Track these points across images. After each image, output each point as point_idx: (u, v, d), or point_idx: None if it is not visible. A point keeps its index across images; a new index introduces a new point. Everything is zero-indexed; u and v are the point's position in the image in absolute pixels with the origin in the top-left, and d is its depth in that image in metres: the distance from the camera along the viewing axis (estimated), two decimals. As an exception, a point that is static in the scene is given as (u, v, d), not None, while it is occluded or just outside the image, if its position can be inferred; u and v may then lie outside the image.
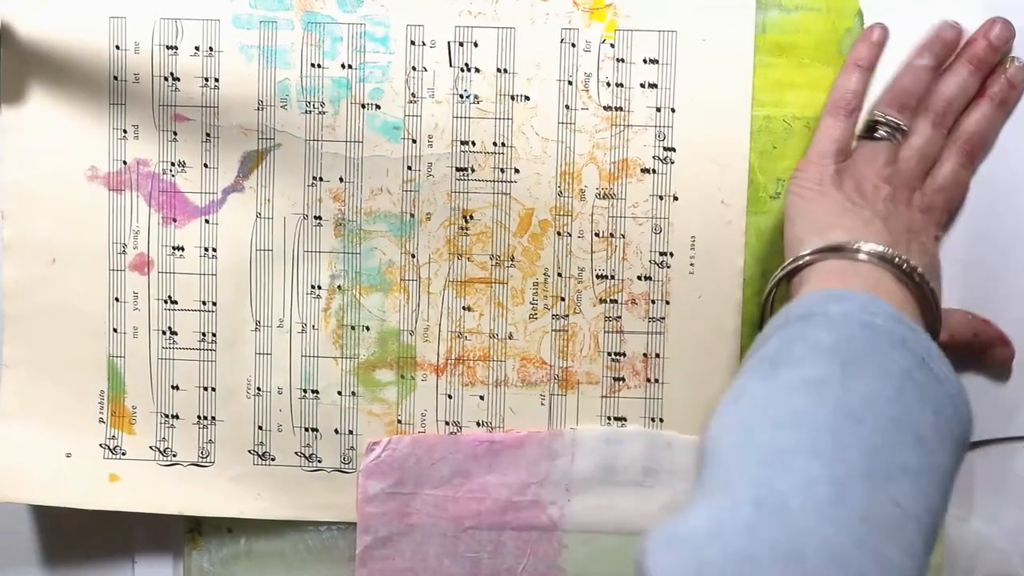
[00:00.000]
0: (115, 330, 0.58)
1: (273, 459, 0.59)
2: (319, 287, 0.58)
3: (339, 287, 0.58)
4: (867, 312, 0.43)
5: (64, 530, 0.62)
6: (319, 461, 0.58)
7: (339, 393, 0.58)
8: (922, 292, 0.47)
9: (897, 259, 0.47)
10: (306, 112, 0.57)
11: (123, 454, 0.59)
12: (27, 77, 0.57)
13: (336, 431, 0.58)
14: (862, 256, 0.47)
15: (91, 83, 0.57)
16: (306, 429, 0.58)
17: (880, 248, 0.47)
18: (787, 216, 0.52)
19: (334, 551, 0.60)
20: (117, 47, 0.57)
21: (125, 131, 0.58)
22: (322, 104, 0.57)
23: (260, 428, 0.58)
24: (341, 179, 0.57)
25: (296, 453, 0.58)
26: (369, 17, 0.56)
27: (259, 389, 0.58)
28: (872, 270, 0.47)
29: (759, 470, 0.38)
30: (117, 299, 0.58)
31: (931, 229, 0.52)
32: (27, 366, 0.58)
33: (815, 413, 0.39)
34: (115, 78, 0.58)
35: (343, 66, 0.57)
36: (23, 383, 0.58)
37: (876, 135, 0.52)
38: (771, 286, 0.51)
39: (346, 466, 0.58)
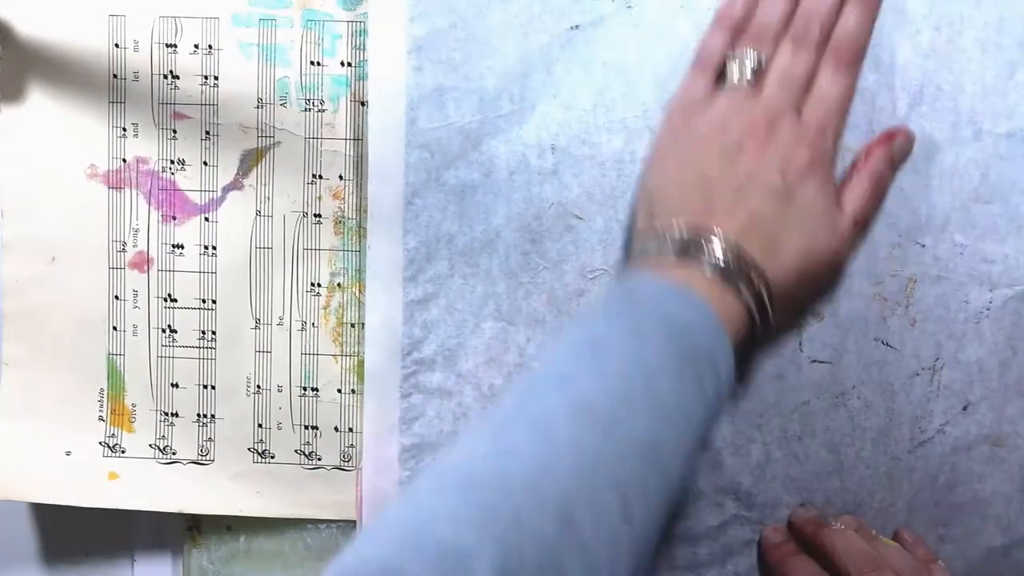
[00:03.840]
0: (115, 328, 0.58)
1: (273, 457, 0.59)
2: (319, 285, 0.58)
3: (339, 285, 0.58)
4: (647, 290, 0.46)
5: (63, 528, 0.62)
6: (319, 459, 0.58)
7: (339, 391, 0.58)
8: (731, 266, 0.47)
9: (734, 274, 0.47)
10: (306, 110, 0.57)
11: (123, 452, 0.59)
12: (26, 75, 0.57)
13: (336, 429, 0.58)
14: (703, 267, 0.47)
15: (90, 81, 0.57)
16: (306, 427, 0.58)
17: (718, 258, 0.47)
18: (649, 167, 0.53)
19: (334, 549, 0.60)
20: (116, 45, 0.57)
21: (124, 129, 0.58)
22: (322, 102, 0.57)
23: (260, 426, 0.58)
24: (341, 177, 0.57)
25: (296, 451, 0.58)
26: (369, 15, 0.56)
27: (259, 387, 0.58)
28: (669, 260, 0.48)
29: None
30: (117, 297, 0.58)
31: (804, 155, 0.50)
32: (26, 364, 0.58)
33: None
34: (114, 76, 0.58)
35: (343, 64, 0.57)
36: (22, 381, 0.58)
37: (729, 80, 0.52)
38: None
39: (346, 464, 0.58)
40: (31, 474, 0.59)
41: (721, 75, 0.52)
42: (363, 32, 0.56)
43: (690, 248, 0.48)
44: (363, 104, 0.57)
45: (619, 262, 0.55)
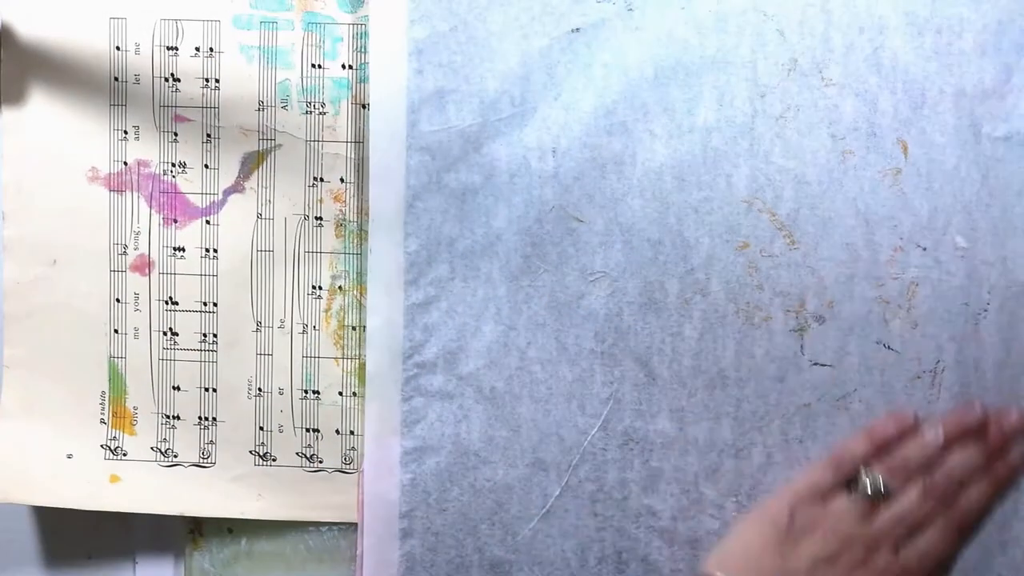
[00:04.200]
0: (116, 331, 0.58)
1: (274, 460, 0.59)
2: (320, 288, 0.58)
3: (340, 288, 0.58)
4: None
5: (65, 531, 0.62)
6: (320, 462, 0.58)
7: (340, 394, 0.58)
8: None
9: None
10: (307, 112, 0.57)
11: (124, 455, 0.59)
12: (28, 78, 0.57)
13: (337, 432, 0.58)
14: None
15: (92, 84, 0.58)
16: (307, 430, 0.58)
17: None
18: (745, 523, 0.53)
19: (335, 551, 0.60)
20: (118, 48, 0.57)
21: (126, 132, 0.58)
22: (323, 104, 0.57)
23: (261, 429, 0.58)
24: (342, 179, 0.57)
25: (297, 453, 0.58)
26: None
27: (260, 390, 0.58)
28: None
29: None
30: (118, 300, 0.58)
31: None
32: (28, 367, 0.58)
33: None
34: (116, 79, 0.58)
35: (343, 66, 0.57)
36: (24, 384, 0.59)
37: (853, 490, 0.53)
38: None
39: (347, 466, 0.58)
40: (33, 477, 0.59)
41: (848, 481, 0.53)
42: (364, 35, 0.56)
43: None
44: (364, 107, 0.57)
45: None
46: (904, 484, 0.53)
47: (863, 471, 0.53)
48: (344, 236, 0.58)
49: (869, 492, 0.52)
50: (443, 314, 0.56)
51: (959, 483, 0.53)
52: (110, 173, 0.58)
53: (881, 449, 0.53)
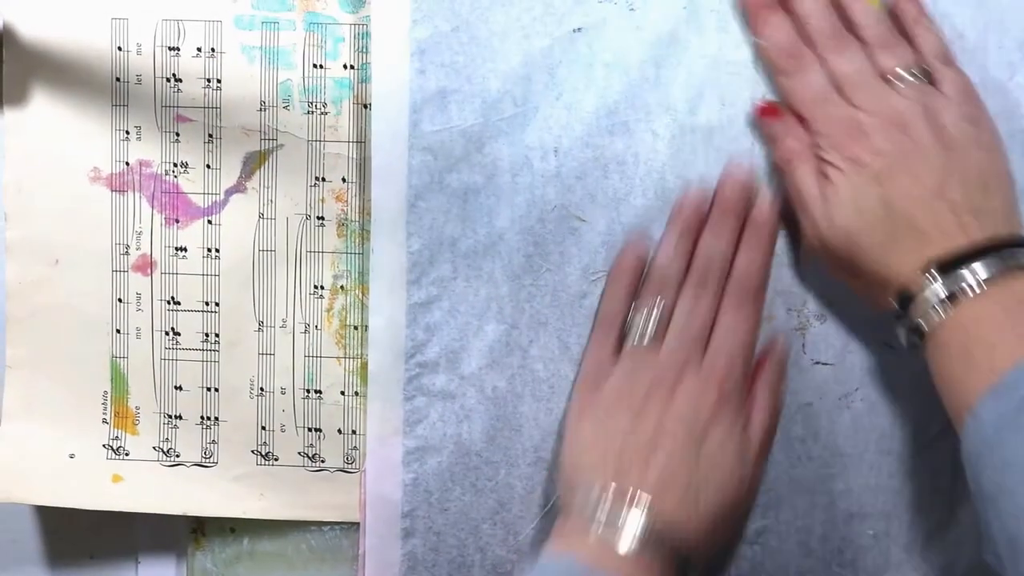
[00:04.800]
0: (118, 331, 0.58)
1: (276, 459, 0.59)
2: (322, 287, 0.58)
3: (342, 287, 0.58)
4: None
5: (67, 530, 0.62)
6: (322, 461, 0.58)
7: (342, 393, 0.58)
8: (655, 543, 0.48)
9: (611, 515, 0.48)
10: (308, 113, 0.57)
11: (126, 455, 0.59)
12: (29, 79, 0.57)
13: (339, 431, 0.58)
14: (576, 520, 0.49)
15: (93, 84, 0.58)
16: (309, 429, 0.58)
17: (635, 535, 0.47)
18: (565, 441, 0.54)
19: (337, 551, 0.60)
20: (119, 48, 0.57)
21: (127, 132, 0.58)
22: (324, 105, 0.57)
23: (263, 428, 0.59)
24: (344, 179, 0.57)
25: (299, 453, 0.58)
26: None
27: (262, 389, 0.58)
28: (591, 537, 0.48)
29: None
30: (120, 300, 0.58)
31: (710, 401, 0.50)
32: (30, 367, 0.59)
33: None
34: (117, 79, 0.58)
35: (345, 67, 0.57)
36: (26, 384, 0.59)
37: (630, 343, 0.53)
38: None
39: (349, 466, 0.58)
40: (35, 476, 0.59)
41: (621, 337, 0.53)
42: (366, 35, 0.56)
43: (610, 520, 0.48)
44: (366, 107, 0.57)
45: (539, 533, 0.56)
46: (674, 299, 0.52)
47: (631, 316, 0.53)
48: (346, 236, 0.58)
49: (649, 326, 0.52)
50: (445, 313, 0.56)
51: (721, 267, 0.52)
52: (112, 173, 0.58)
53: (635, 286, 0.54)
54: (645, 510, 0.48)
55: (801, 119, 0.52)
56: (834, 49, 0.51)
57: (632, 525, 0.47)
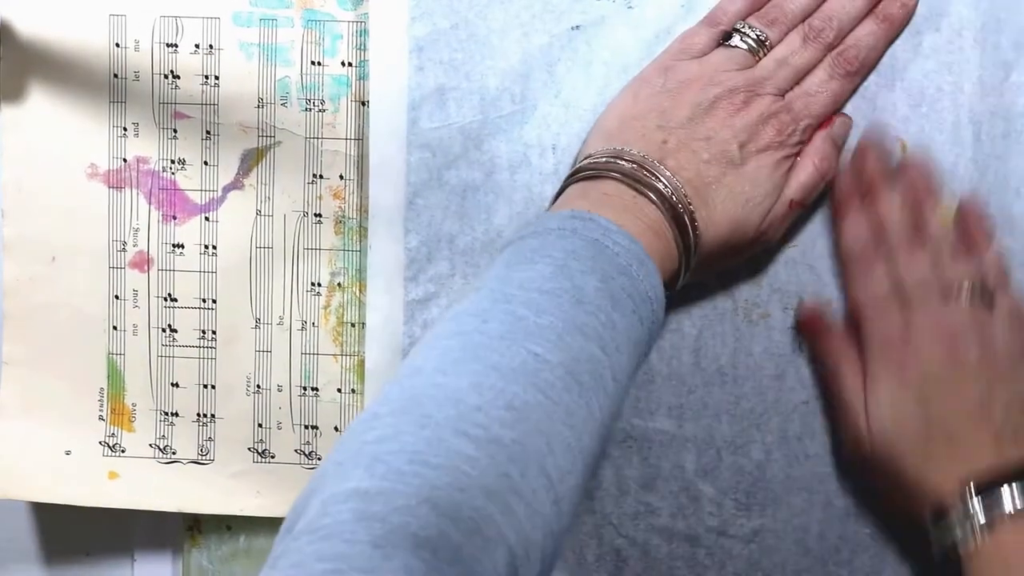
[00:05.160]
0: (115, 328, 0.58)
1: (273, 457, 0.59)
2: (319, 284, 0.58)
3: (339, 284, 0.58)
4: (552, 222, 0.46)
5: (64, 527, 0.62)
6: (319, 459, 0.58)
7: (339, 390, 0.58)
8: (671, 204, 0.48)
9: (639, 174, 0.48)
10: (306, 110, 0.57)
11: (123, 452, 0.59)
12: (27, 75, 0.57)
13: (336, 429, 0.58)
14: (610, 174, 0.48)
15: (91, 81, 0.57)
16: (306, 427, 0.58)
17: (623, 162, 0.48)
18: (621, 94, 0.53)
19: (333, 549, 0.60)
20: (117, 45, 0.57)
21: (125, 129, 0.58)
22: (322, 102, 0.57)
23: (260, 426, 0.58)
24: (341, 176, 0.57)
25: (296, 451, 0.58)
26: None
27: (259, 386, 0.58)
28: (613, 187, 0.48)
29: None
30: (117, 297, 0.58)
31: (769, 135, 0.50)
32: (27, 364, 0.58)
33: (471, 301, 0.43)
34: (115, 76, 0.58)
35: (343, 64, 0.57)
36: (23, 381, 0.58)
37: (731, 43, 0.52)
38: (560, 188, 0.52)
39: (346, 463, 0.58)
40: (31, 473, 0.59)
41: (725, 37, 0.53)
42: (364, 32, 0.56)
43: (636, 176, 0.48)
44: (364, 104, 0.57)
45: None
46: (780, 34, 0.52)
47: (740, 23, 0.52)
48: (343, 233, 0.58)
49: (748, 43, 0.52)
50: (443, 311, 0.56)
51: (844, 25, 0.52)
52: (109, 170, 0.58)
53: (756, 5, 0.53)
54: (672, 185, 0.48)
55: (854, 312, 0.53)
56: (903, 252, 0.52)
57: (660, 186, 0.48)
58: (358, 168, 0.57)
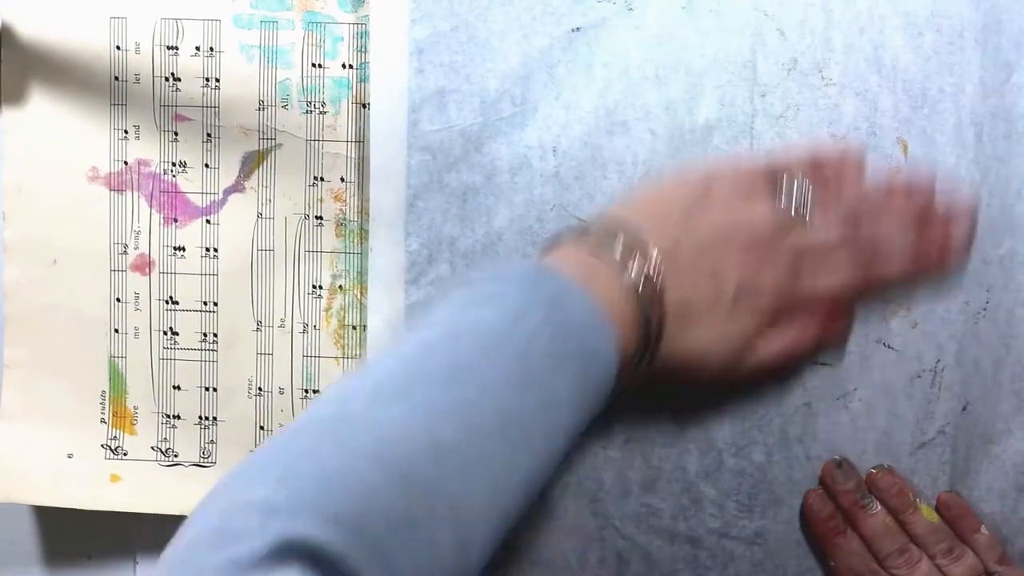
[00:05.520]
0: (116, 330, 0.58)
1: (274, 459, 0.59)
2: (320, 287, 0.58)
3: (340, 287, 0.58)
4: (517, 270, 0.46)
5: (66, 531, 0.62)
6: (320, 461, 0.58)
7: (340, 393, 0.58)
8: (648, 296, 0.47)
9: (649, 300, 0.47)
10: (307, 112, 0.57)
11: (124, 454, 0.59)
12: (28, 78, 0.57)
13: (337, 431, 0.58)
14: (605, 241, 0.48)
15: (92, 83, 0.57)
16: (307, 429, 0.58)
17: (644, 273, 0.47)
18: (645, 188, 0.53)
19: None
20: (118, 47, 0.57)
21: (126, 131, 0.58)
22: (323, 104, 0.57)
23: (262, 428, 0.58)
24: (342, 179, 0.57)
25: (298, 453, 0.58)
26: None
27: (260, 389, 0.58)
28: (600, 256, 0.47)
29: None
30: (118, 299, 0.58)
31: (767, 299, 0.50)
32: (28, 367, 0.58)
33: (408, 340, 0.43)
34: (116, 78, 0.58)
35: (344, 66, 0.57)
36: (24, 384, 0.58)
37: (780, 195, 0.51)
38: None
39: (347, 466, 0.58)
40: (33, 476, 0.59)
41: (776, 189, 0.52)
42: (364, 34, 0.56)
43: (625, 251, 0.47)
44: (364, 106, 0.57)
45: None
46: (831, 214, 0.52)
47: (797, 178, 0.52)
48: (344, 235, 0.58)
49: (794, 200, 0.51)
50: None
51: (882, 236, 0.52)
52: (110, 173, 0.58)
53: (817, 173, 0.52)
54: (658, 270, 0.47)
55: None
56: (905, 565, 0.53)
57: (644, 267, 0.47)
58: (359, 170, 0.57)
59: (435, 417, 0.39)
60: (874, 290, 0.53)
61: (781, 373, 0.54)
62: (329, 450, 0.37)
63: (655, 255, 0.47)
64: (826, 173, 0.52)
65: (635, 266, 0.47)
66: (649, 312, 0.47)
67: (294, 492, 0.35)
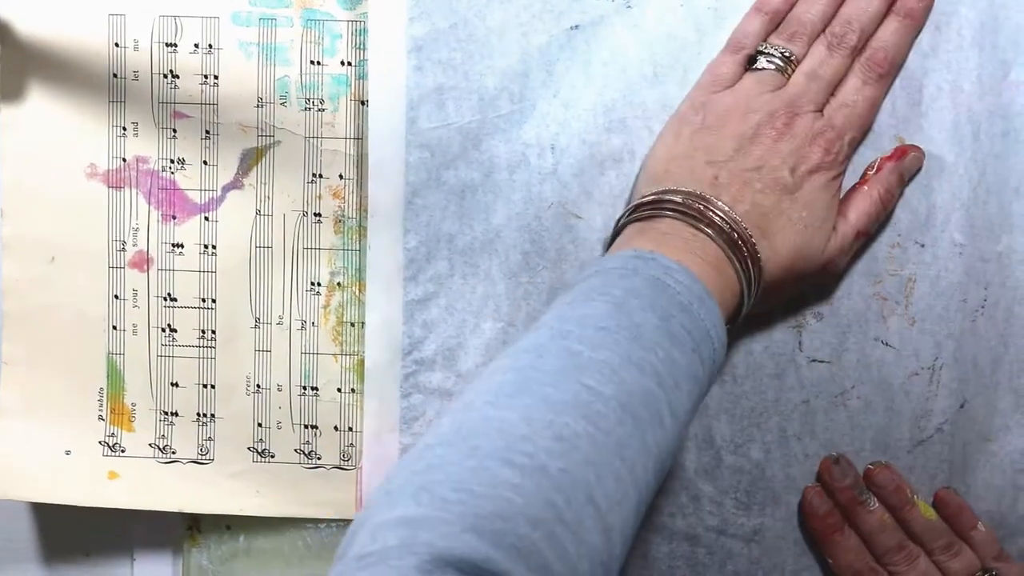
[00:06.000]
0: (114, 327, 0.58)
1: (272, 456, 0.59)
2: (319, 284, 0.58)
3: (339, 284, 0.58)
4: (613, 262, 0.46)
5: (63, 528, 0.62)
6: (318, 458, 0.58)
7: (339, 390, 0.58)
8: (730, 238, 0.48)
9: (695, 209, 0.48)
10: (305, 109, 0.57)
11: (122, 451, 0.59)
12: (26, 75, 0.57)
13: (336, 428, 0.58)
14: (665, 213, 0.49)
15: (90, 80, 0.57)
16: (306, 426, 0.58)
17: (678, 199, 0.48)
18: (662, 136, 0.53)
19: (333, 548, 0.60)
20: (116, 44, 0.57)
21: (124, 128, 0.58)
22: (321, 101, 0.57)
23: (260, 425, 0.58)
24: (341, 176, 0.57)
25: (295, 450, 0.58)
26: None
27: (258, 386, 0.58)
28: (669, 224, 0.48)
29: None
30: (116, 296, 0.58)
31: (817, 154, 0.50)
32: (26, 364, 0.58)
33: (529, 339, 0.43)
34: (114, 75, 0.58)
35: (342, 63, 0.57)
36: (22, 381, 0.58)
37: (758, 66, 0.52)
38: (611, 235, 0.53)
39: (345, 463, 0.58)
40: (31, 473, 0.59)
41: (751, 61, 0.53)
42: (363, 31, 0.56)
43: (692, 212, 0.48)
44: (363, 103, 0.57)
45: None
46: (808, 46, 0.52)
47: (763, 44, 0.52)
48: (343, 232, 0.58)
49: (775, 63, 0.52)
50: (442, 311, 0.56)
51: (867, 27, 0.52)
52: (109, 169, 0.58)
53: (775, 22, 0.53)
54: (729, 218, 0.48)
55: None
56: (904, 562, 0.54)
57: (716, 220, 0.48)
58: (357, 167, 0.57)
59: (557, 410, 0.39)
60: (886, 75, 0.53)
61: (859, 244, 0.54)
62: (458, 458, 0.38)
63: (716, 203, 0.48)
64: (778, 8, 0.53)
65: (708, 223, 0.48)
66: (740, 250, 0.48)
67: (431, 505, 0.36)
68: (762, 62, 0.52)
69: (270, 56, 0.57)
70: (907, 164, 0.53)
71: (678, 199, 0.49)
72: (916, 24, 0.53)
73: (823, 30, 0.53)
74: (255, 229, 0.58)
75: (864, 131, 0.53)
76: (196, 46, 0.57)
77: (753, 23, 0.53)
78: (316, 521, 0.60)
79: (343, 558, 0.36)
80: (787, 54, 0.52)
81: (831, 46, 0.52)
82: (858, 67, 0.52)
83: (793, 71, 0.52)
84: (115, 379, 0.59)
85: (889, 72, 0.53)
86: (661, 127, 0.54)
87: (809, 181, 0.50)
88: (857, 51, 0.52)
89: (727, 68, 0.53)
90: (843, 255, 0.52)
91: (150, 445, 0.59)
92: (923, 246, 0.55)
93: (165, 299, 0.58)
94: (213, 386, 0.59)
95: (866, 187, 0.53)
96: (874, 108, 0.53)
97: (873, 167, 0.53)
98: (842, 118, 0.51)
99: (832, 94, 0.52)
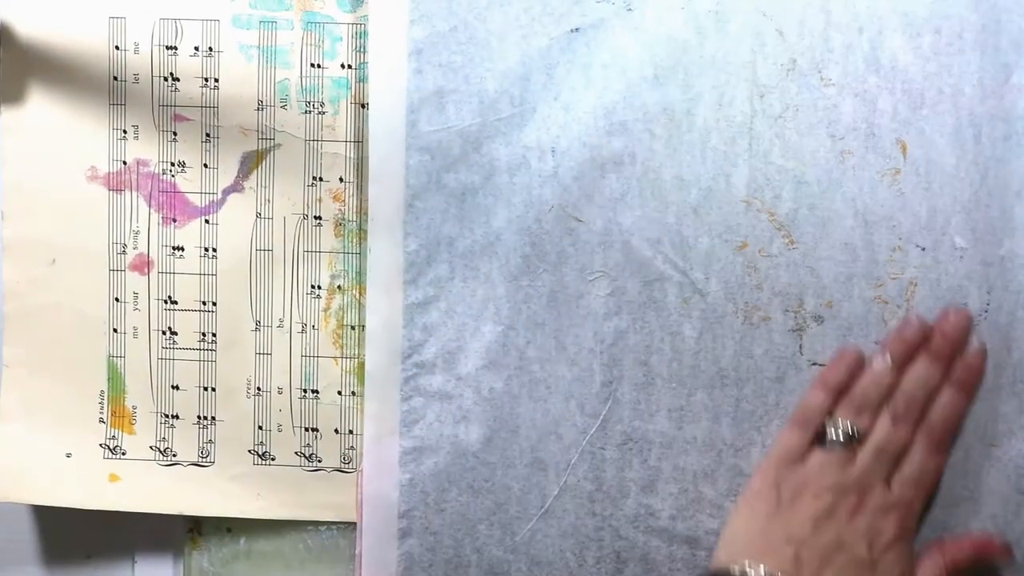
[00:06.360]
0: (115, 330, 0.58)
1: (273, 459, 0.59)
2: (319, 287, 0.58)
3: (339, 287, 0.58)
4: None
5: (64, 530, 0.62)
6: (319, 461, 0.58)
7: (339, 393, 0.58)
8: None
9: None
10: (306, 112, 0.57)
11: (123, 454, 0.59)
12: (27, 77, 0.57)
13: (336, 431, 0.58)
14: None
15: (91, 83, 0.58)
16: (306, 429, 0.58)
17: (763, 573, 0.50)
18: (737, 510, 0.55)
19: (334, 551, 0.60)
20: (117, 47, 0.57)
21: (125, 131, 0.58)
22: (322, 104, 0.57)
23: (260, 428, 0.59)
24: (341, 179, 0.57)
25: (296, 453, 0.58)
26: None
27: (259, 389, 0.58)
28: None
29: None
30: (117, 299, 0.58)
31: (891, 529, 0.52)
32: (27, 366, 0.58)
33: None
34: (115, 78, 0.58)
35: (343, 66, 0.57)
36: (23, 383, 0.59)
37: (826, 443, 0.53)
38: None
39: (346, 466, 0.58)
40: (32, 476, 0.59)
41: (818, 435, 0.54)
42: (363, 34, 0.56)
43: None
44: (363, 107, 0.57)
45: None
46: (872, 419, 0.54)
47: (829, 421, 0.54)
48: (343, 235, 0.58)
49: (841, 438, 0.53)
50: (442, 314, 0.56)
51: (925, 400, 0.54)
52: (109, 172, 0.58)
53: (838, 394, 0.54)
54: None
55: None
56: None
57: None
58: (358, 170, 0.57)
59: None
60: (945, 445, 0.54)
61: None
62: None
63: None
64: (839, 379, 0.54)
65: None
66: None
67: None
68: (830, 437, 0.53)
69: (270, 59, 0.57)
70: (982, 558, 0.55)
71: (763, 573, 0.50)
72: (971, 392, 0.54)
73: (886, 400, 0.54)
74: (255, 232, 0.58)
75: (929, 495, 0.54)
76: (196, 49, 0.57)
77: (817, 397, 0.54)
78: (317, 524, 0.60)
79: None
80: (852, 432, 0.53)
81: (896, 419, 0.53)
82: (921, 439, 0.54)
83: (859, 443, 0.53)
84: (116, 382, 0.59)
85: (949, 440, 0.54)
86: (662, 130, 0.54)
87: (886, 556, 0.52)
88: (918, 421, 0.54)
89: (796, 442, 0.54)
90: None
91: (151, 448, 0.59)
92: (924, 249, 0.55)
93: (166, 302, 0.58)
94: (214, 389, 0.59)
95: (934, 559, 0.54)
96: (939, 474, 0.54)
97: (951, 544, 0.54)
98: (910, 490, 0.53)
99: (897, 464, 0.53)
